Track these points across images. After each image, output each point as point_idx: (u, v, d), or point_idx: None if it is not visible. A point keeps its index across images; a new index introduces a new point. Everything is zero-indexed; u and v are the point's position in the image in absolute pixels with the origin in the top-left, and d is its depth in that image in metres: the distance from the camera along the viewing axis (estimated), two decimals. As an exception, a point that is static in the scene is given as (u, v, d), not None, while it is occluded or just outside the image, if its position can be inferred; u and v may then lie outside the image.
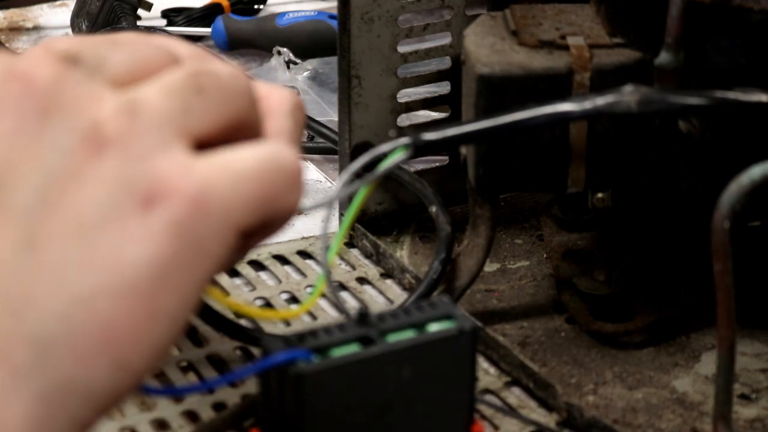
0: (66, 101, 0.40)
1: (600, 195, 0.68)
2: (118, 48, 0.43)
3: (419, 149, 0.59)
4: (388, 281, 0.76)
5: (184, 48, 0.45)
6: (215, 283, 0.75)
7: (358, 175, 0.54)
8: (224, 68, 0.44)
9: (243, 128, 0.44)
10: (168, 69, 0.43)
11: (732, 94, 0.61)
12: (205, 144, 0.42)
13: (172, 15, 1.16)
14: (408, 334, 0.52)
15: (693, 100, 0.61)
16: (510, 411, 0.64)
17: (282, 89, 0.48)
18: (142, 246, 0.39)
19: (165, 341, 0.40)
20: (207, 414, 0.63)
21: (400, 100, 0.79)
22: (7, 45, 1.10)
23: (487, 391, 0.66)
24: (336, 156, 0.81)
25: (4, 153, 0.39)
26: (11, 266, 0.38)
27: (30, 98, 0.40)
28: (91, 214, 0.39)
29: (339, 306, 0.68)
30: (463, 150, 0.70)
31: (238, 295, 0.73)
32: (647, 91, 0.61)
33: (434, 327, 0.52)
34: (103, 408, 0.40)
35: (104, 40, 0.43)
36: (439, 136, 0.61)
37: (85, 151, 0.39)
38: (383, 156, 0.57)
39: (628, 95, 0.61)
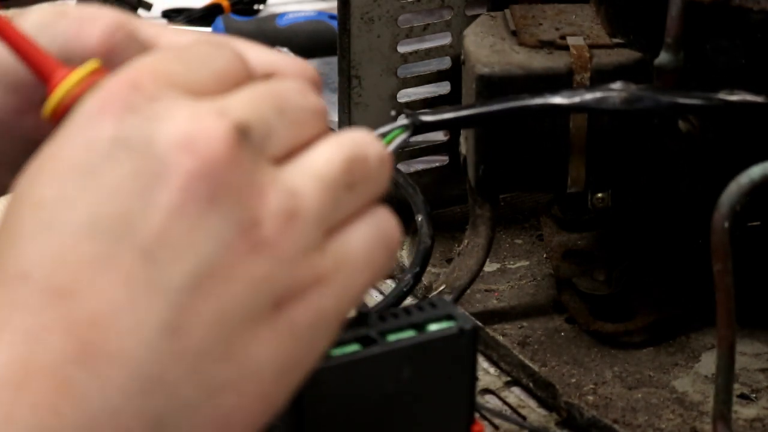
0: (233, 190, 0.40)
1: (600, 195, 0.68)
2: (282, 118, 0.43)
3: (417, 129, 0.60)
4: (388, 281, 0.76)
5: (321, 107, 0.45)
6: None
7: None
8: (375, 147, 0.44)
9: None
10: (322, 144, 0.43)
11: (720, 94, 0.61)
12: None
13: (172, 15, 1.16)
14: (408, 334, 0.51)
15: (681, 100, 0.61)
16: (510, 411, 0.64)
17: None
18: (269, 348, 0.41)
19: (261, 428, 0.42)
20: (207, 414, 0.63)
21: (400, 100, 0.79)
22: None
23: (487, 391, 0.66)
24: (336, 156, 0.81)
25: (163, 226, 0.40)
26: (152, 347, 0.39)
27: (201, 180, 0.40)
28: (234, 311, 0.40)
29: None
30: (463, 150, 0.70)
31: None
32: (635, 89, 0.61)
33: (434, 327, 0.52)
34: None
35: (270, 101, 0.43)
36: (436, 117, 0.61)
37: (240, 247, 0.40)
38: (382, 137, 0.58)
39: (616, 92, 0.61)
